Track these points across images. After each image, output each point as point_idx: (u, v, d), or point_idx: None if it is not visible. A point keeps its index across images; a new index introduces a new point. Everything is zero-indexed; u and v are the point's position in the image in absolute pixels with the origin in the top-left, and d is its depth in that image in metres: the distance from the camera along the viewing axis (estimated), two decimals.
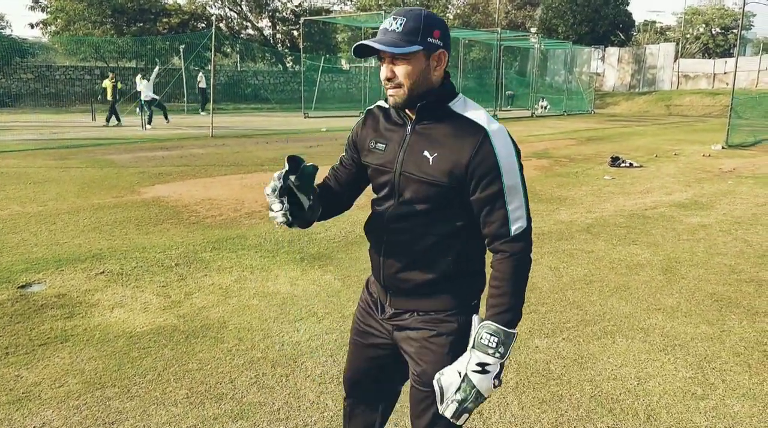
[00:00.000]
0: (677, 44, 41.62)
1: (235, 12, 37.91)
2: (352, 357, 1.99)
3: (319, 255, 5.39)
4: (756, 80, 34.03)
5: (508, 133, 1.63)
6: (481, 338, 1.60)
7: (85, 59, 29.84)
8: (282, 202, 1.65)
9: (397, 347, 1.82)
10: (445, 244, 1.68)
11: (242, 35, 38.40)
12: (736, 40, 16.83)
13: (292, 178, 1.66)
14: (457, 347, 1.69)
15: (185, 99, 24.81)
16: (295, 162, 1.66)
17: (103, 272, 4.81)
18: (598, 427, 2.78)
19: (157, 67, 20.16)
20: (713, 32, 46.94)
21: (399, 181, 1.67)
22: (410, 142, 1.65)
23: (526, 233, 1.62)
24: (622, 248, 5.74)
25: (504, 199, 1.58)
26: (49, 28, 31.74)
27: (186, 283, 4.60)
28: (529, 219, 1.62)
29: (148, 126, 17.27)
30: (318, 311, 4.07)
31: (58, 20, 30.60)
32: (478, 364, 1.58)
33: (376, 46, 1.55)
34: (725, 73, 35.51)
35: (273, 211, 1.67)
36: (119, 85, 18.83)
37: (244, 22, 38.39)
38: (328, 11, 40.13)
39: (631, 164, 11.27)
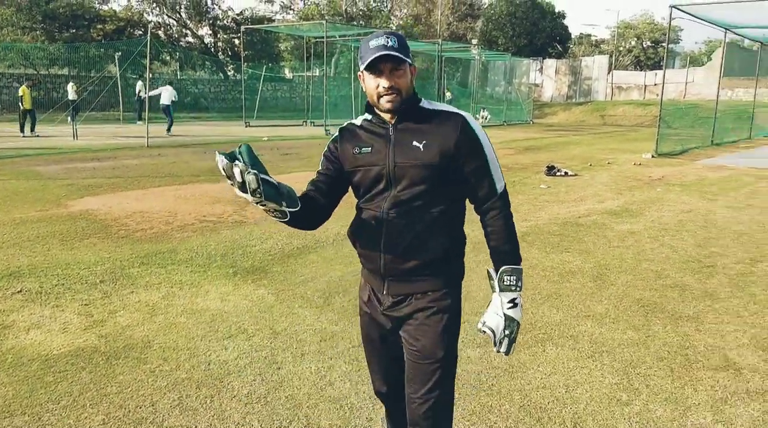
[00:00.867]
0: (611, 56, 43.27)
1: (174, 19, 37.15)
2: (377, 367, 2.18)
3: (253, 268, 5.27)
4: (684, 91, 35.71)
5: None
6: (503, 281, 1.95)
7: (13, 66, 28.55)
8: (240, 168, 1.63)
9: (395, 333, 2.05)
10: (439, 225, 1.93)
11: (182, 43, 37.62)
12: (665, 53, 17.56)
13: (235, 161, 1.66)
14: (450, 323, 1.99)
15: (121, 108, 24.03)
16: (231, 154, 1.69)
17: (21, 291, 4.55)
18: None
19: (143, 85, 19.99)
20: (644, 45, 49.05)
21: (394, 172, 1.91)
22: (395, 139, 1.92)
23: (506, 191, 2.01)
24: (555, 256, 5.85)
25: (488, 166, 1.95)
26: None
27: (110, 301, 4.40)
28: (504, 181, 2.01)
29: (166, 133, 18.30)
30: (248, 328, 3.96)
31: None
32: (509, 302, 1.96)
33: (394, 53, 1.82)
34: (655, 84, 37.10)
35: (239, 181, 1.63)
36: (34, 94, 17.94)
37: (184, 30, 37.65)
38: (270, 20, 39.80)
39: (566, 173, 11.57)
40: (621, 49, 49.44)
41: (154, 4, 35.76)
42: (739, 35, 21.50)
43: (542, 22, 43.61)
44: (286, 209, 1.74)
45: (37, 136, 17.01)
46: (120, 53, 24.69)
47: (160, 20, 36.41)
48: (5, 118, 22.56)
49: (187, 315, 4.15)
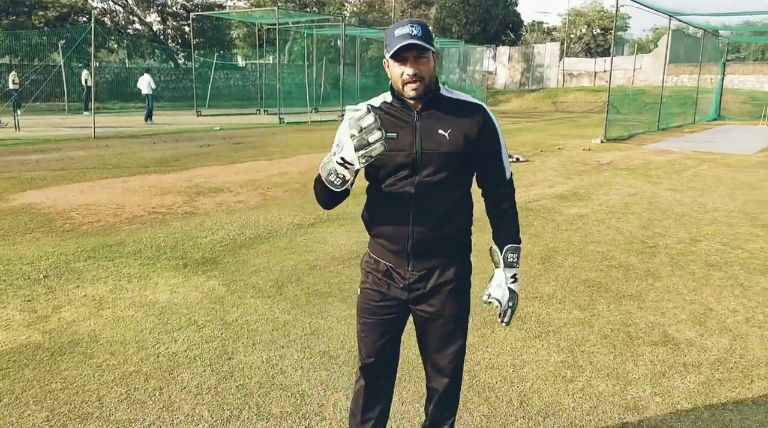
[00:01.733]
0: (562, 44, 43.99)
1: (120, 5, 36.00)
2: (369, 340, 2.22)
3: (203, 259, 5.20)
4: (632, 78, 36.64)
5: None
6: (507, 258, 2.14)
7: None
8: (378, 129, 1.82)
9: (407, 307, 2.17)
10: (460, 205, 2.10)
11: (129, 30, 36.54)
12: (612, 40, 17.96)
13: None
14: (468, 291, 2.21)
15: (65, 98, 23.23)
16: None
17: None
18: (474, 416, 2.85)
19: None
20: (594, 33, 50.03)
21: (421, 158, 2.00)
22: (421, 126, 2.00)
23: (512, 178, 2.20)
24: None
25: (501, 154, 2.12)
26: None
27: (55, 296, 4.29)
28: (510, 169, 2.20)
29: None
30: (199, 319, 3.92)
31: None
32: (512, 276, 2.14)
33: (419, 42, 1.89)
34: (605, 71, 37.91)
35: (370, 141, 1.81)
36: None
37: (131, 17, 36.55)
38: (221, 7, 38.96)
39: (517, 159, 11.77)
40: (572, 36, 50.35)
41: None
42: (683, 22, 22.15)
43: (495, 10, 43.96)
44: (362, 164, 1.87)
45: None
46: (64, 41, 23.82)
47: (105, 6, 35.24)
48: None
49: (136, 309, 4.08)
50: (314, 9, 40.27)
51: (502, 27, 45.58)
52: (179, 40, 37.51)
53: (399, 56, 1.92)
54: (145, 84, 19.90)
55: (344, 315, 4.00)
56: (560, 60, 40.79)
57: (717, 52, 30.30)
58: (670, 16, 19.43)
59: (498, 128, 2.10)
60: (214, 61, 29.04)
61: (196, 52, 27.56)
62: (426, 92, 1.97)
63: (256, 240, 5.80)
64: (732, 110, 27.57)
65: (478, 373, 3.25)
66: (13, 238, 5.72)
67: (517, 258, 2.17)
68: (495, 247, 2.18)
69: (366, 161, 1.82)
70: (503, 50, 43.02)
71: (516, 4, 46.59)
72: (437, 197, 2.02)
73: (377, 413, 2.31)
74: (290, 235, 5.99)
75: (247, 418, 2.78)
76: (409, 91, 1.95)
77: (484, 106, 2.10)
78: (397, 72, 1.95)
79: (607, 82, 16.65)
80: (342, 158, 1.85)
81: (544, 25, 56.68)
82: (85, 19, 31.36)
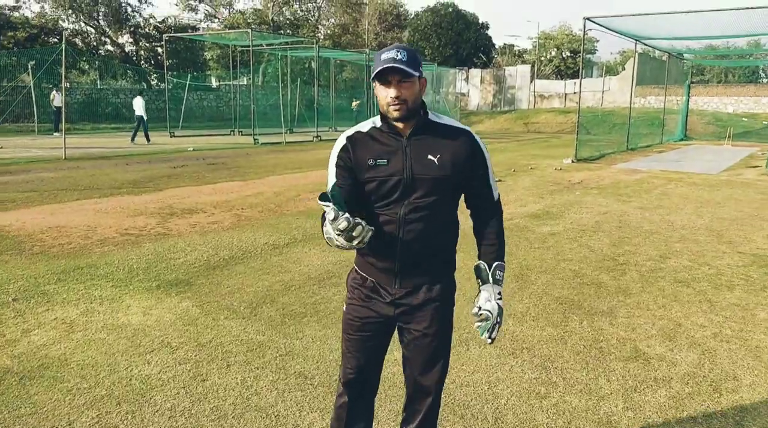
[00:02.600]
0: (533, 66, 44.85)
1: (92, 27, 35.77)
2: (353, 356, 2.26)
3: (177, 281, 5.15)
4: (601, 99, 37.46)
5: None
6: (495, 274, 2.17)
7: None
8: (346, 221, 1.87)
9: (393, 324, 2.23)
10: (447, 224, 2.17)
11: (101, 51, 36.27)
12: (580, 62, 18.41)
13: (331, 204, 1.91)
14: (450, 307, 2.25)
15: (35, 119, 22.90)
16: (324, 196, 1.96)
17: None
18: None
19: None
20: (564, 55, 51.13)
21: (411, 183, 2.07)
22: (411, 151, 2.07)
23: (500, 199, 2.25)
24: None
25: (489, 177, 2.17)
26: None
27: (24, 319, 4.21)
28: (498, 190, 2.24)
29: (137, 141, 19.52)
30: (172, 341, 3.88)
31: None
32: (499, 294, 2.16)
33: (401, 67, 1.95)
34: (575, 92, 38.74)
35: (350, 233, 1.88)
36: None
37: (102, 38, 36.32)
38: (194, 28, 38.98)
39: None
40: (542, 58, 51.39)
41: (71, 11, 34.33)
42: (649, 46, 22.80)
43: (466, 33, 44.77)
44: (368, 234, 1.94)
45: None
46: (34, 62, 23.55)
47: (77, 27, 34.99)
48: None
49: (108, 331, 4.02)
50: (288, 31, 40.51)
51: (473, 50, 46.39)
52: (152, 61, 37.37)
53: (383, 78, 1.99)
54: (138, 106, 20.48)
55: (319, 335, 3.99)
56: (531, 82, 41.56)
57: (682, 75, 31.23)
58: (635, 39, 20.00)
59: (485, 152, 2.16)
60: (188, 82, 28.95)
61: (170, 73, 27.46)
62: (409, 115, 2.03)
63: (230, 261, 5.77)
64: (697, 131, 28.35)
65: (453, 391, 3.26)
66: None
67: (503, 275, 2.21)
68: (483, 265, 2.20)
69: (360, 244, 1.92)
70: (475, 72, 43.70)
71: (487, 28, 47.56)
72: (426, 219, 2.09)
73: None
74: (264, 256, 5.96)
75: None
76: (393, 111, 2.02)
77: (471, 131, 2.15)
78: (383, 94, 2.02)
79: (577, 103, 17.01)
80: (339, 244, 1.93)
81: (515, 48, 57.78)
82: (55, 40, 31.10)
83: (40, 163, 13.47)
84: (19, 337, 3.90)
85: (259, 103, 26.40)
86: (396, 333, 2.27)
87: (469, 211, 2.27)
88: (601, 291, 5.08)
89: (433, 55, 42.79)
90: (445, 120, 2.16)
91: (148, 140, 19.95)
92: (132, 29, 36.79)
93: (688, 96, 27.84)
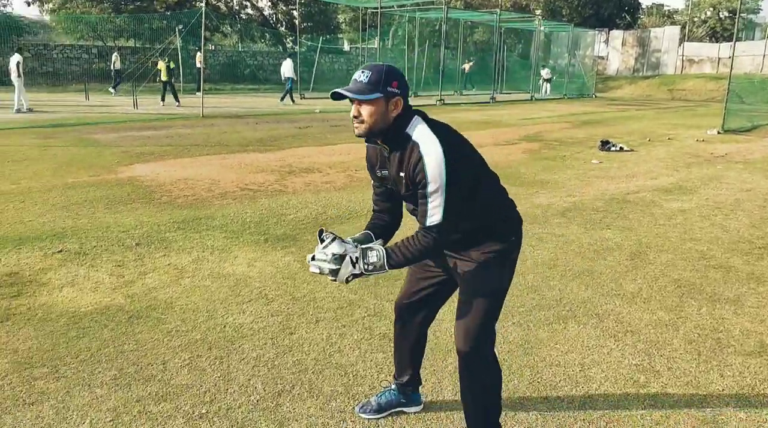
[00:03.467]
0: (683, 28, 41.05)
1: None
2: (406, 287, 2.52)
3: (284, 236, 5.31)
4: (761, 65, 33.55)
5: (447, 143, 2.03)
6: (371, 255, 2.12)
7: (82, 38, 29.60)
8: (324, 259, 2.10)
9: (445, 279, 2.41)
10: (465, 222, 2.19)
11: (242, 15, 38.03)
12: (736, 21, 16.50)
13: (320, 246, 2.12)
14: (491, 271, 2.26)
15: (181, 79, 24.59)
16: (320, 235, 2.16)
17: (61, 250, 4.75)
18: (530, 414, 2.70)
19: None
20: (721, 16, 46.23)
21: (401, 196, 2.25)
22: (391, 168, 2.16)
23: (437, 226, 2.07)
24: (594, 232, 5.64)
25: (427, 198, 2.05)
26: (45, 5, 31.49)
27: (143, 263, 4.54)
28: (443, 217, 2.05)
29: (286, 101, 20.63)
30: (269, 293, 4.00)
31: None
32: (365, 265, 2.11)
33: (346, 93, 2.03)
34: (729, 57, 35.02)
35: (332, 268, 2.08)
36: (172, 65, 18.96)
37: (244, 2, 37.99)
38: None
39: (621, 148, 11.12)
40: (695, 19, 46.81)
41: None
42: None
43: None
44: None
45: (178, 106, 17.94)
46: (182, 26, 25.18)
47: None
48: (74, 89, 23.50)
49: (213, 279, 4.23)
50: None
51: (616, 10, 43.23)
52: (288, 25, 38.60)
53: (336, 98, 2.08)
54: (288, 68, 21.34)
55: None
56: (680, 45, 38.08)
57: None
58: None
59: (429, 171, 2.00)
60: (320, 45, 29.63)
61: (303, 35, 28.23)
62: (371, 134, 2.09)
63: (336, 220, 5.85)
64: None
65: (542, 370, 3.08)
66: (115, 207, 6.12)
67: (374, 269, 2.12)
68: (378, 245, 2.21)
69: (369, 274, 2.12)
70: (617, 34, 40.78)
71: None
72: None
73: (404, 357, 2.60)
74: (369, 216, 5.97)
75: (298, 394, 2.79)
76: (354, 128, 2.10)
77: (423, 150, 2.02)
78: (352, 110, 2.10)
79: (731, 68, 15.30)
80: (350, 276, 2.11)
81: (665, 8, 53.07)
82: (202, 4, 32.98)
83: (179, 120, 14.48)
84: (135, 279, 4.21)
85: None
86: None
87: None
88: (729, 276, 4.56)
89: (571, 15, 40.39)
90: (417, 133, 2.07)
91: (293, 101, 20.99)
92: None
93: None
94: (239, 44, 37.14)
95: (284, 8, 38.88)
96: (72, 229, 5.32)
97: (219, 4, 35.13)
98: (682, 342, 3.44)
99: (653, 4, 53.03)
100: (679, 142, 12.72)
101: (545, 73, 30.09)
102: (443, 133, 2.09)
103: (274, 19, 39.51)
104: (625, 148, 11.17)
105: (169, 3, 30.48)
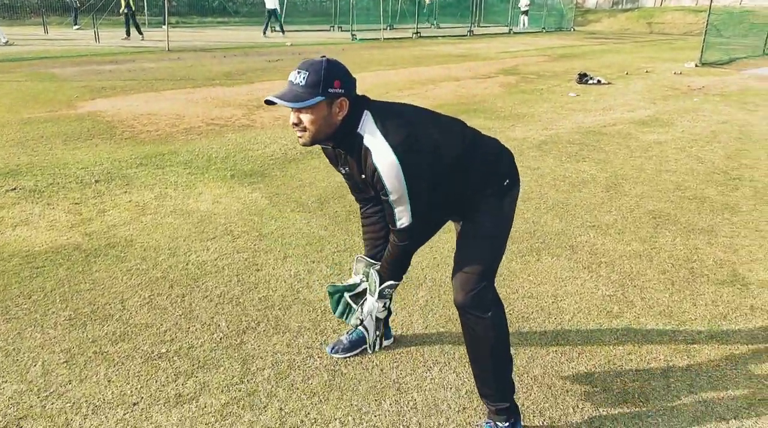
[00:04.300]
0: None
1: None
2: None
3: (251, 172, 5.12)
4: None
5: (402, 143, 1.79)
6: (384, 292, 2.14)
7: None
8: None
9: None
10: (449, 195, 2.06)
11: None
12: None
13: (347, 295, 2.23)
14: (488, 215, 2.08)
15: (145, 11, 23.48)
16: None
17: (15, 188, 4.51)
18: None
19: None
20: None
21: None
22: (353, 169, 1.96)
23: (408, 228, 1.94)
24: (570, 165, 5.54)
25: (391, 204, 1.89)
26: None
27: (102, 200, 4.33)
28: (411, 218, 1.91)
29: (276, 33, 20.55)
30: (235, 229, 3.85)
31: None
32: (383, 306, 2.18)
33: (280, 102, 1.75)
34: None
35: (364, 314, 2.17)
36: None
37: None
38: None
39: (599, 81, 10.94)
40: None
41: None
42: None
43: None
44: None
45: (142, 39, 17.23)
46: None
47: None
48: (32, 22, 22.32)
49: (176, 216, 4.06)
50: None
51: None
52: None
53: (270, 104, 1.81)
54: (271, 0, 20.83)
55: None
56: None
57: None
58: None
59: (385, 176, 1.80)
60: None
61: None
62: (315, 142, 1.88)
63: (306, 156, 5.65)
64: None
65: (514, 302, 3.01)
66: (74, 144, 5.83)
67: (392, 292, 2.17)
68: (375, 274, 2.13)
69: (386, 300, 2.17)
70: None
71: None
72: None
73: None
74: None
75: (264, 331, 2.69)
76: (298, 138, 1.89)
77: (374, 156, 1.81)
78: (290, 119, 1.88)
79: (712, 1, 14.99)
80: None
81: None
82: None
83: (144, 54, 13.85)
84: (93, 217, 4.02)
85: None
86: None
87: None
88: (704, 206, 4.52)
89: None
90: (367, 135, 1.83)
91: (283, 32, 20.62)
92: None
93: None
94: None
95: None
96: (27, 166, 5.05)
97: None
98: (655, 273, 3.40)
99: None
100: (656, 75, 12.55)
101: (523, 3, 29.35)
102: (398, 127, 1.84)
103: None
104: (603, 81, 10.99)
105: None
